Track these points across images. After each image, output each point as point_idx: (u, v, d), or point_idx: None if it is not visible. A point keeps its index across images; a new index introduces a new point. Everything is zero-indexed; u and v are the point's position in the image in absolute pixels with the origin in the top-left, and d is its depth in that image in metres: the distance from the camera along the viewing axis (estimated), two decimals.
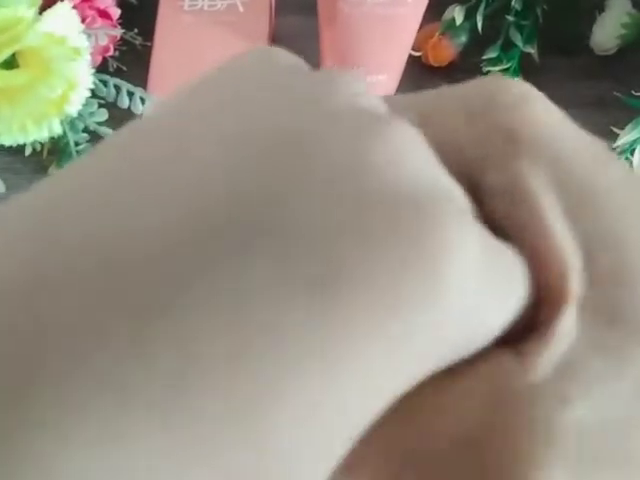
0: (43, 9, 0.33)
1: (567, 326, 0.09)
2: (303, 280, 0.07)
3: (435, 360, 0.09)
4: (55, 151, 0.39)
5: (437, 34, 0.44)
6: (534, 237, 0.09)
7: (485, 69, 0.44)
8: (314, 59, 0.41)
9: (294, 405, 0.07)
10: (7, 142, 0.33)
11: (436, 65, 0.45)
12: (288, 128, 0.09)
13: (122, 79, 0.35)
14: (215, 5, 0.39)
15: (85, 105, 0.33)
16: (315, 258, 0.08)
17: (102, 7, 0.35)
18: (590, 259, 0.09)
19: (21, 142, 0.34)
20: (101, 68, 0.36)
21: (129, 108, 0.35)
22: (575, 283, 0.09)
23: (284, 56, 0.12)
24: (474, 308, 0.08)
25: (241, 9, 0.40)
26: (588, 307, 0.09)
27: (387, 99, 0.11)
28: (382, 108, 0.10)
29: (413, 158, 0.09)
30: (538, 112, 0.11)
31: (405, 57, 0.38)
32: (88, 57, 0.33)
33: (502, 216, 0.10)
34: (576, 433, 0.08)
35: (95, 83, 0.33)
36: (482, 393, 0.09)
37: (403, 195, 0.08)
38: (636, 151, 0.38)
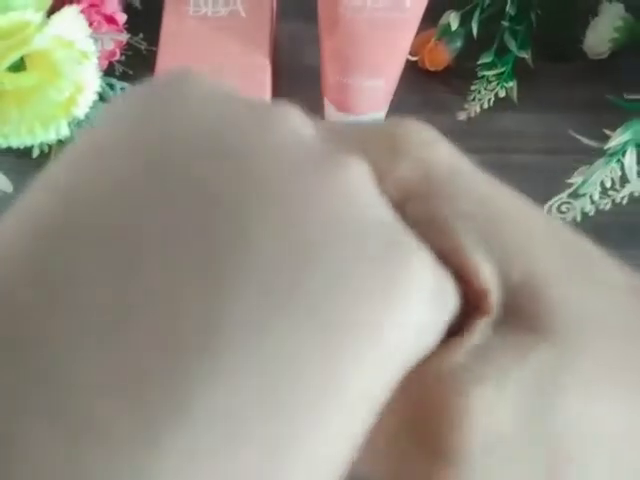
0: (51, 12, 0.33)
1: (484, 328, 0.11)
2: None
3: (401, 365, 0.10)
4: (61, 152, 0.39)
5: (433, 39, 0.45)
6: (455, 261, 0.11)
7: (480, 73, 0.45)
8: (314, 63, 0.42)
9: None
10: (15, 144, 0.34)
11: (432, 70, 0.46)
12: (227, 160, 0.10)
13: (128, 82, 0.36)
14: (219, 11, 0.40)
15: (92, 108, 0.34)
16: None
17: (108, 12, 0.36)
18: (504, 274, 0.11)
19: (29, 144, 0.34)
20: (107, 72, 0.37)
21: None
22: (493, 296, 0.11)
23: (204, 82, 0.12)
24: (428, 324, 0.10)
25: (243, 15, 0.41)
26: (504, 313, 0.11)
27: (326, 128, 0.12)
28: (326, 142, 0.11)
29: (368, 193, 0.10)
30: (446, 152, 0.12)
31: (403, 62, 0.39)
32: (95, 60, 0.33)
33: (423, 242, 0.11)
34: (487, 411, 0.10)
35: (102, 86, 0.34)
36: (419, 376, 0.11)
37: (368, 227, 0.10)
38: (627, 153, 0.39)
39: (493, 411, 0.10)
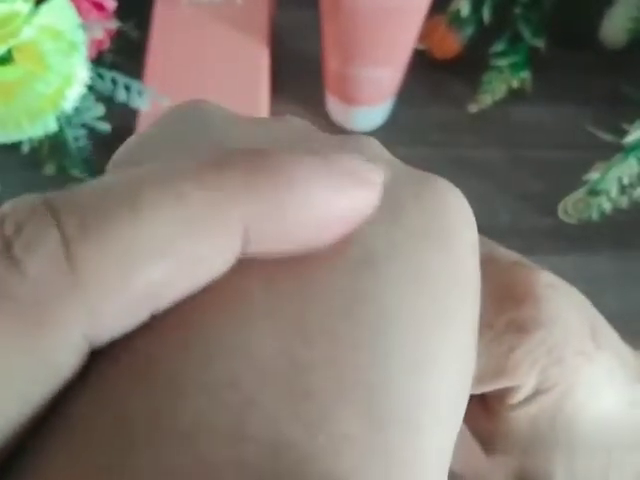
0: (39, 2, 0.32)
1: None
2: None
3: None
4: (54, 148, 0.38)
5: (442, 27, 0.43)
6: None
7: (492, 63, 0.43)
8: (316, 53, 0.41)
9: None
10: (1, 140, 0.33)
11: (441, 59, 0.44)
12: None
13: (118, 72, 0.34)
14: None
15: (82, 100, 0.33)
16: None
17: None
18: None
19: (16, 140, 0.33)
20: (97, 61, 0.36)
21: (126, 102, 0.35)
22: None
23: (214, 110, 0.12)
24: None
25: (239, 1, 0.39)
26: None
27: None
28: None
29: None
30: None
31: (410, 51, 0.38)
32: (84, 51, 0.32)
33: None
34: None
35: (91, 77, 0.33)
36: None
37: None
38: None
39: None
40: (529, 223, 0.40)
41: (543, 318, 0.13)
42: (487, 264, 0.14)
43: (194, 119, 0.11)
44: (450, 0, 0.43)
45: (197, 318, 0.08)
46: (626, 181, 0.38)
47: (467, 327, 0.10)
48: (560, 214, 0.40)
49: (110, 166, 0.12)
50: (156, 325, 0.08)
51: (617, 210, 0.39)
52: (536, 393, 0.13)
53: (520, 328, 0.13)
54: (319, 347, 0.08)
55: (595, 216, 0.39)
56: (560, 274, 0.42)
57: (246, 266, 0.09)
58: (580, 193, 0.38)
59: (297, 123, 0.12)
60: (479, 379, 0.13)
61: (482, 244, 0.15)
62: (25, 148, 0.36)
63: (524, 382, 0.13)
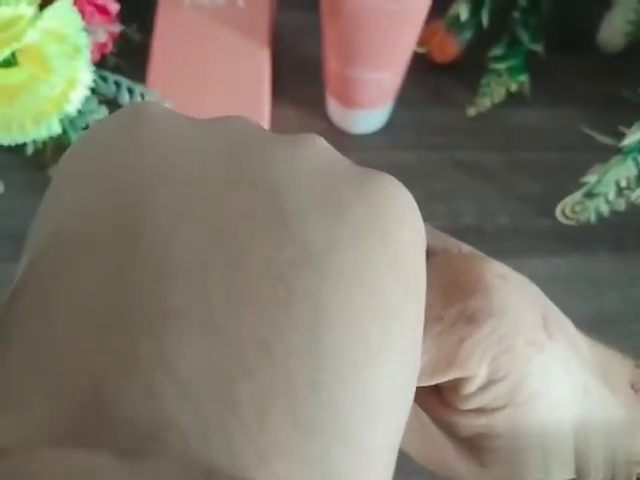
0: (43, 5, 0.32)
1: None
2: None
3: None
4: (58, 150, 0.38)
5: (442, 30, 0.43)
6: None
7: (490, 67, 0.43)
8: (316, 56, 0.41)
9: None
10: (6, 142, 0.33)
11: (440, 62, 0.44)
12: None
13: (121, 75, 0.35)
14: (216, 0, 0.39)
15: (85, 102, 0.33)
16: None
17: (100, 3, 0.34)
18: None
19: (20, 142, 0.33)
20: (100, 64, 0.36)
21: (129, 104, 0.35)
22: None
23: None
24: None
25: (241, 4, 0.39)
26: None
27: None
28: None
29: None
30: None
31: (410, 54, 0.38)
32: (88, 54, 0.32)
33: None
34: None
35: (95, 80, 0.33)
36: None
37: None
38: None
39: None
40: (528, 225, 0.40)
41: (493, 308, 0.13)
42: (439, 256, 0.14)
43: (136, 130, 0.11)
44: (449, 4, 0.44)
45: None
46: (624, 183, 0.38)
47: (410, 321, 0.10)
48: (558, 216, 0.40)
49: (56, 171, 0.12)
50: None
51: (614, 212, 0.39)
52: (489, 383, 0.13)
53: (470, 319, 0.13)
54: (249, 358, 0.08)
55: (593, 218, 0.39)
56: (560, 275, 0.43)
57: None
58: (578, 196, 0.38)
59: (239, 125, 0.12)
60: (431, 371, 0.13)
61: (436, 237, 0.15)
62: (29, 150, 0.36)
63: (476, 372, 0.13)
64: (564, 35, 0.45)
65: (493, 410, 0.14)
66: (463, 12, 0.42)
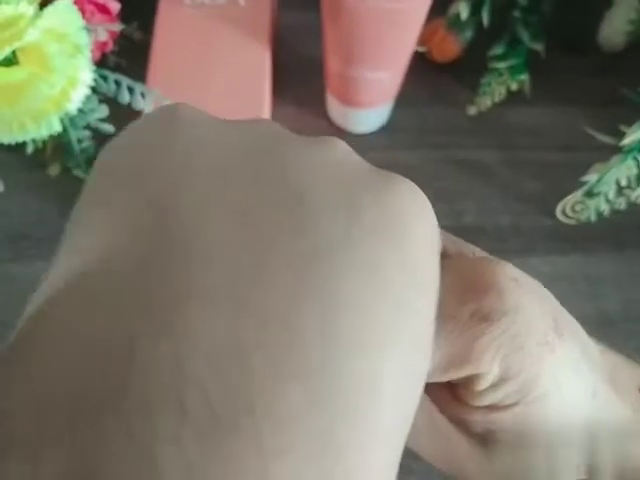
0: (44, 4, 0.32)
1: None
2: None
3: None
4: (58, 149, 0.38)
5: (442, 30, 0.43)
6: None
7: (491, 66, 0.43)
8: (317, 55, 0.41)
9: None
10: (6, 141, 0.33)
11: (441, 61, 0.44)
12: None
13: (122, 74, 0.35)
14: None
15: (85, 101, 0.33)
16: None
17: (101, 2, 0.34)
18: None
19: (20, 141, 0.33)
20: (100, 63, 0.36)
21: (130, 104, 0.35)
22: None
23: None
24: None
25: (242, 3, 0.39)
26: None
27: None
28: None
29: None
30: None
31: (410, 53, 0.38)
32: (88, 53, 0.32)
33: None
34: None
35: (95, 79, 0.33)
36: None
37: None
38: None
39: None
40: (529, 224, 0.41)
41: (506, 309, 0.14)
42: (454, 259, 0.15)
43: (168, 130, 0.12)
44: (450, 3, 0.44)
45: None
46: (624, 183, 0.38)
47: (421, 314, 0.11)
48: (558, 215, 0.40)
49: (97, 171, 0.13)
50: None
51: (614, 212, 0.39)
52: (501, 380, 0.14)
53: (484, 318, 0.13)
54: (269, 330, 0.09)
55: (593, 218, 0.39)
56: (560, 274, 0.43)
57: None
58: (578, 195, 0.38)
59: (265, 126, 0.13)
60: (445, 367, 0.14)
61: (452, 241, 0.16)
62: (29, 149, 0.36)
63: (488, 369, 0.13)
64: (565, 34, 0.45)
65: (505, 407, 0.14)
66: (463, 11, 0.42)
